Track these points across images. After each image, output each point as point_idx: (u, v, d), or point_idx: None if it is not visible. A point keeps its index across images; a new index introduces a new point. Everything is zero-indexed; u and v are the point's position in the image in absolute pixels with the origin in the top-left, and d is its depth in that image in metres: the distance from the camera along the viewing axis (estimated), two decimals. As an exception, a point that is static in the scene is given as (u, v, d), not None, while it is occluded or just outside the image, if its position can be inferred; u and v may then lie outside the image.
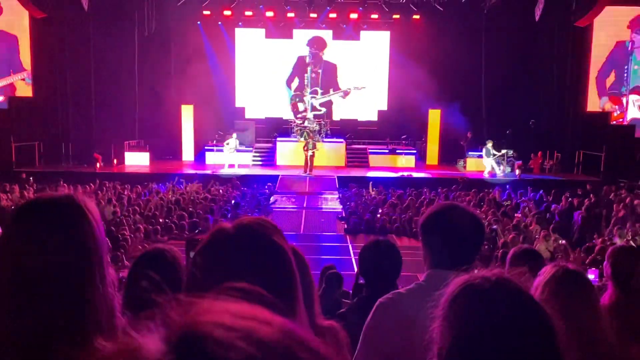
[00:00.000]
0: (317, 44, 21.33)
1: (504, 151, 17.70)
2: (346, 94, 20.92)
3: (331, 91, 21.00)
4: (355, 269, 6.04)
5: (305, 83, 20.85)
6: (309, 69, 20.94)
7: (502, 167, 17.55)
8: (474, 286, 0.92)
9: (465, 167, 18.62)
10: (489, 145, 17.55)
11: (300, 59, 21.57)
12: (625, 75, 18.77)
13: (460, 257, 1.76)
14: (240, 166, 18.08)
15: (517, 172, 17.69)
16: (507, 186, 15.72)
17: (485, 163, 17.71)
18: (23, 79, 19.64)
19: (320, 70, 21.09)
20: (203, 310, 0.50)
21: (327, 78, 21.33)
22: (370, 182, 16.09)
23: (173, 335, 0.48)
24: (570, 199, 13.01)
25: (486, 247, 9.31)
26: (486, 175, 17.46)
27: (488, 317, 0.89)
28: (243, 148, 18.97)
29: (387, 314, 1.85)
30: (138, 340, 0.48)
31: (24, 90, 19.80)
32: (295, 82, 21.61)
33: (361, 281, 3.49)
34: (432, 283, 1.78)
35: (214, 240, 1.11)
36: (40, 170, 17.07)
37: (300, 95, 20.68)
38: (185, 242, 3.84)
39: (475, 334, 0.88)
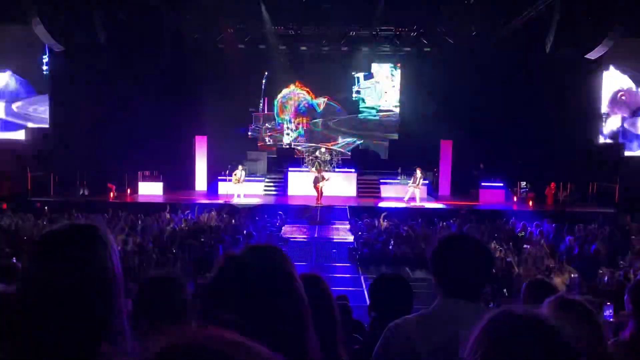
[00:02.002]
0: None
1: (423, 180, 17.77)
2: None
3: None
4: (367, 301, 5.98)
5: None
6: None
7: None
8: (513, 317, 0.93)
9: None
10: (418, 172, 17.48)
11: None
12: None
13: (470, 287, 1.78)
14: (249, 196, 18.18)
15: (530, 203, 17.54)
16: (522, 217, 15.59)
17: (410, 190, 17.62)
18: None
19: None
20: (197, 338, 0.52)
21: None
22: (383, 213, 16.04)
23: (159, 347, 0.50)
24: (584, 231, 12.85)
25: (500, 277, 9.19)
26: (406, 200, 17.43)
27: (519, 349, 0.90)
28: (254, 178, 19.10)
29: (395, 337, 1.88)
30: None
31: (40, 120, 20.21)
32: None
33: (373, 315, 3.46)
34: (441, 311, 1.82)
35: (224, 267, 1.13)
36: (54, 199, 17.25)
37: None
38: (192, 268, 3.86)
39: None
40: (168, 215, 14.48)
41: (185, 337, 0.52)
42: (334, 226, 15.94)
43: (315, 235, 15.08)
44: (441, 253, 1.91)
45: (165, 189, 18.97)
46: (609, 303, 3.98)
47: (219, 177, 19.57)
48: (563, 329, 0.94)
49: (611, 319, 3.71)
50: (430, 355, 1.72)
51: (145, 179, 19.38)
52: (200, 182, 20.16)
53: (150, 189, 18.90)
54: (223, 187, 19.09)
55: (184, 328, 0.55)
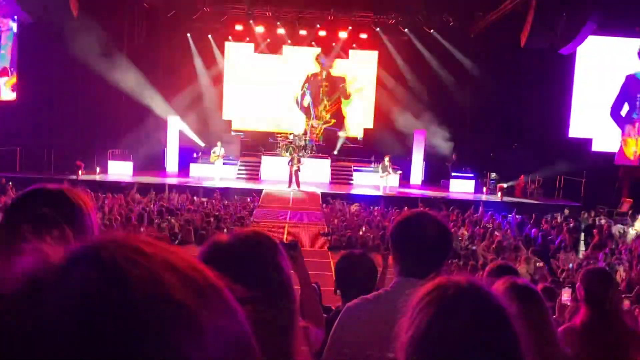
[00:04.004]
0: (327, 59, 21.79)
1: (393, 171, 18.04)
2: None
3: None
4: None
5: (321, 97, 21.29)
6: (322, 84, 21.40)
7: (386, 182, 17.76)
8: (445, 286, 0.93)
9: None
10: (386, 160, 17.71)
11: (311, 76, 21.94)
12: (638, 103, 18.98)
13: (427, 266, 1.77)
14: (225, 179, 18.09)
15: (499, 194, 17.86)
16: (490, 208, 15.87)
17: (380, 178, 17.87)
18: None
19: (327, 83, 21.59)
20: (116, 235, 0.49)
21: (333, 89, 21.92)
22: (354, 200, 16.13)
23: (75, 246, 0.47)
24: (550, 222, 13.16)
25: (469, 266, 9.35)
26: (380, 190, 17.64)
27: (454, 315, 0.90)
28: (228, 161, 18.98)
29: (352, 318, 1.86)
30: (41, 250, 0.47)
31: (7, 94, 19.60)
32: (307, 100, 21.90)
33: (338, 294, 3.49)
34: (398, 290, 1.79)
35: (208, 252, 1.12)
36: (20, 176, 16.83)
37: (307, 110, 21.10)
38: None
39: (439, 328, 0.89)
40: (137, 195, 14.27)
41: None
42: (306, 211, 15.96)
43: (287, 220, 15.09)
44: (400, 231, 1.89)
45: (135, 169, 18.68)
46: (567, 288, 4.10)
47: (192, 159, 19.38)
48: (499, 297, 0.95)
49: (569, 303, 3.82)
50: (382, 337, 1.71)
51: (115, 157, 19.04)
52: (172, 163, 19.90)
53: (120, 169, 18.59)
54: (195, 169, 18.91)
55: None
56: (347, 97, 21.51)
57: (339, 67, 22.07)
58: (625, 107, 19.02)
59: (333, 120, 21.07)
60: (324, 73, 21.54)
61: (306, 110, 21.65)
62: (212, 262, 1.14)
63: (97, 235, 0.50)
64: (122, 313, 0.43)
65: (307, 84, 21.95)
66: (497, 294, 0.97)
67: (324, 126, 20.40)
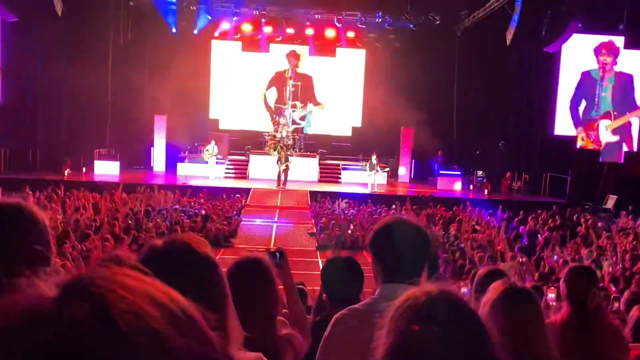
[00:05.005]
0: (295, 57, 21.45)
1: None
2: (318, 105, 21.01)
3: (310, 105, 21.07)
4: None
5: (287, 96, 20.89)
6: (290, 82, 21.01)
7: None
8: (415, 297, 0.95)
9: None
10: (373, 159, 17.80)
11: (278, 73, 21.64)
12: (597, 100, 19.28)
13: (410, 270, 1.80)
14: (218, 178, 18.24)
15: (486, 192, 17.99)
16: (477, 205, 15.97)
17: (367, 176, 17.98)
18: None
19: (298, 83, 21.17)
20: (102, 270, 0.56)
21: (305, 90, 21.42)
22: (344, 200, 16.15)
23: (65, 282, 0.54)
24: (536, 219, 13.28)
25: (458, 265, 9.42)
26: (369, 188, 17.72)
27: (426, 323, 0.92)
28: (217, 160, 18.95)
29: (342, 329, 1.87)
30: (35, 288, 0.53)
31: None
32: (272, 96, 21.63)
33: (324, 299, 3.50)
34: (384, 297, 1.80)
35: (145, 257, 1.15)
36: (5, 177, 16.62)
37: (281, 109, 20.65)
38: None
39: (413, 338, 0.91)
40: (124, 195, 14.17)
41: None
42: (294, 210, 15.96)
43: (276, 219, 15.08)
44: (379, 238, 1.91)
45: (122, 168, 18.55)
46: (552, 287, 4.16)
47: (179, 157, 19.29)
48: (467, 302, 0.98)
49: (553, 303, 3.87)
50: (368, 347, 1.72)
51: (101, 157, 18.90)
52: (159, 162, 19.79)
53: (107, 168, 18.45)
54: (182, 168, 18.82)
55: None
56: (318, 104, 21.17)
57: (305, 66, 21.90)
58: (583, 104, 19.37)
59: (303, 123, 20.85)
60: (289, 72, 21.25)
61: (274, 110, 21.23)
62: (146, 266, 1.17)
63: (87, 270, 0.56)
64: (111, 343, 0.50)
65: (273, 83, 21.76)
66: (465, 299, 0.99)
67: (294, 127, 20.19)
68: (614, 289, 7.45)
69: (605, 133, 19.14)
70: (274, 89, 21.81)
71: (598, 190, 18.12)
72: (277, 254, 2.79)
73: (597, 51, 19.04)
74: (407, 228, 1.89)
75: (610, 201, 17.15)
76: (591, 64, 19.22)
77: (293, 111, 20.51)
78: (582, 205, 16.16)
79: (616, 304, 4.94)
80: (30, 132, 18.87)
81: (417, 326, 0.91)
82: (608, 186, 18.33)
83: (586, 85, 19.29)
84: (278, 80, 21.58)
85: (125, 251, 2.51)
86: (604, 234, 11.93)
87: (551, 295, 4.06)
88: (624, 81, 19.04)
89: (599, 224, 13.03)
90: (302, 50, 21.76)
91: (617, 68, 19.06)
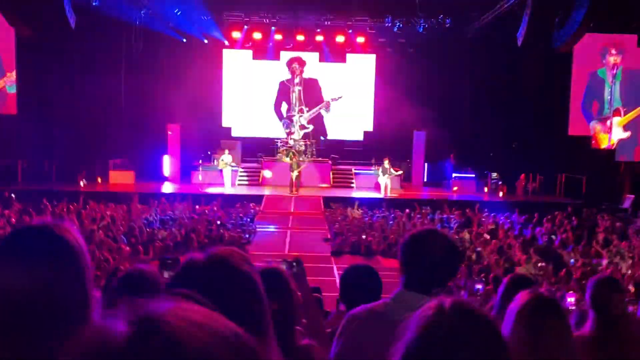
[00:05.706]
0: (296, 63, 21.35)
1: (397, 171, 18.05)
2: (327, 105, 20.80)
3: (310, 110, 21.04)
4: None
5: (293, 103, 20.90)
6: (296, 89, 21.01)
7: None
8: (431, 308, 0.96)
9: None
10: (386, 163, 17.73)
11: (282, 84, 21.67)
12: (609, 98, 19.11)
13: (431, 282, 1.82)
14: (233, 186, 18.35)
15: (501, 194, 17.86)
16: (492, 208, 15.86)
17: (380, 181, 17.87)
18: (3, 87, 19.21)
19: (300, 88, 21.09)
20: (168, 305, 0.59)
21: (311, 94, 21.37)
22: (356, 203, 16.12)
23: (136, 318, 0.56)
24: (552, 221, 13.15)
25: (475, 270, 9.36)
26: (382, 193, 17.62)
27: (438, 336, 0.93)
28: (231, 169, 19.03)
29: (354, 326, 1.91)
30: (106, 324, 0.56)
31: (8, 107, 19.61)
32: (284, 107, 21.66)
33: (342, 308, 3.51)
34: (399, 302, 1.86)
35: (184, 271, 1.14)
36: (22, 188, 16.85)
37: (289, 118, 20.68)
38: (159, 262, 3.84)
39: (425, 350, 0.92)
40: (140, 205, 14.29)
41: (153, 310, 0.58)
42: (308, 216, 15.96)
43: (289, 225, 15.09)
44: (410, 246, 1.95)
45: (136, 178, 18.71)
46: (571, 292, 4.11)
47: (192, 167, 19.41)
48: (491, 318, 0.98)
49: (573, 307, 3.83)
50: (377, 348, 1.74)
51: (116, 167, 19.08)
52: (173, 171, 19.94)
53: (122, 178, 18.62)
54: (196, 177, 18.95)
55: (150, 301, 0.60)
56: (328, 109, 21.06)
57: (315, 72, 21.89)
58: (594, 105, 19.23)
59: (311, 127, 20.78)
60: (298, 78, 21.19)
61: (286, 118, 21.20)
62: (186, 280, 1.15)
63: (154, 305, 0.59)
64: None
65: (281, 95, 21.74)
66: (482, 310, 0.99)
67: (302, 132, 20.16)
68: (632, 290, 7.35)
69: (617, 130, 18.95)
70: (282, 101, 21.81)
71: (614, 190, 17.91)
72: (294, 263, 2.80)
73: (605, 50, 18.90)
74: (439, 241, 1.92)
75: (627, 201, 16.94)
76: (600, 63, 19.09)
77: (300, 115, 20.52)
78: (598, 205, 15.98)
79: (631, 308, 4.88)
80: (46, 143, 19.09)
81: (434, 339, 0.92)
82: (624, 186, 18.11)
83: (594, 86, 19.13)
84: (283, 91, 21.59)
85: (149, 265, 2.53)
86: (621, 234, 11.78)
87: (570, 300, 4.02)
88: (634, 78, 18.89)
89: (617, 224, 12.86)
90: (310, 56, 21.76)
91: (626, 66, 18.92)
